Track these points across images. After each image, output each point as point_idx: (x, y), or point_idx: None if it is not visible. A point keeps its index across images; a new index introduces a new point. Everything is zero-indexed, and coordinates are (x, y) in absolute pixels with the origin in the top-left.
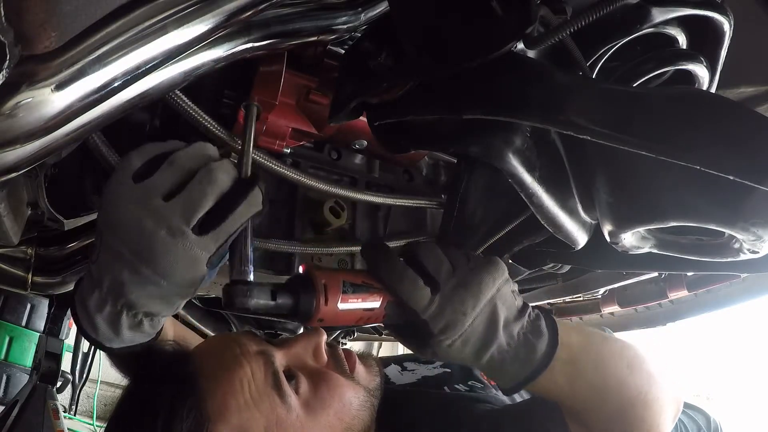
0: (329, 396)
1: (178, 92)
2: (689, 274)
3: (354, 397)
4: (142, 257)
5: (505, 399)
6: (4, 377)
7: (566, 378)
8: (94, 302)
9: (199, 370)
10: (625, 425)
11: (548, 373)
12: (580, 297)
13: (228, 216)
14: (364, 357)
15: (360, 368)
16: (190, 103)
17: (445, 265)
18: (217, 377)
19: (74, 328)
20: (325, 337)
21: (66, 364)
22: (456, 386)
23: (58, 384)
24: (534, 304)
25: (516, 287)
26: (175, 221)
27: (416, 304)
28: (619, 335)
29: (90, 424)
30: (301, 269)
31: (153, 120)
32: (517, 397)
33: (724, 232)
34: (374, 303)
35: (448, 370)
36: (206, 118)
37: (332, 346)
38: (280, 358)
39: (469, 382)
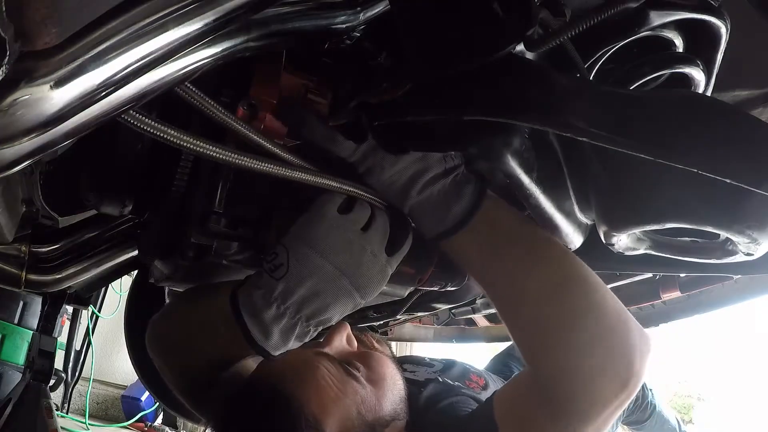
0: (380, 367)
1: (188, 84)
2: (682, 275)
3: (391, 364)
4: (347, 272)
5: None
6: None
7: (481, 259)
8: (272, 315)
9: (285, 389)
10: (548, 354)
11: (460, 243)
12: None
13: (407, 239)
14: (371, 333)
15: (376, 344)
16: (202, 94)
17: None
18: (304, 386)
19: (66, 326)
20: (349, 326)
21: (58, 362)
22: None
23: (51, 382)
24: None
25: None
26: (376, 246)
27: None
28: None
29: (82, 422)
30: None
31: (150, 115)
32: None
33: (720, 234)
34: None
35: (443, 374)
36: (220, 109)
37: (355, 332)
38: (332, 353)
39: (456, 383)
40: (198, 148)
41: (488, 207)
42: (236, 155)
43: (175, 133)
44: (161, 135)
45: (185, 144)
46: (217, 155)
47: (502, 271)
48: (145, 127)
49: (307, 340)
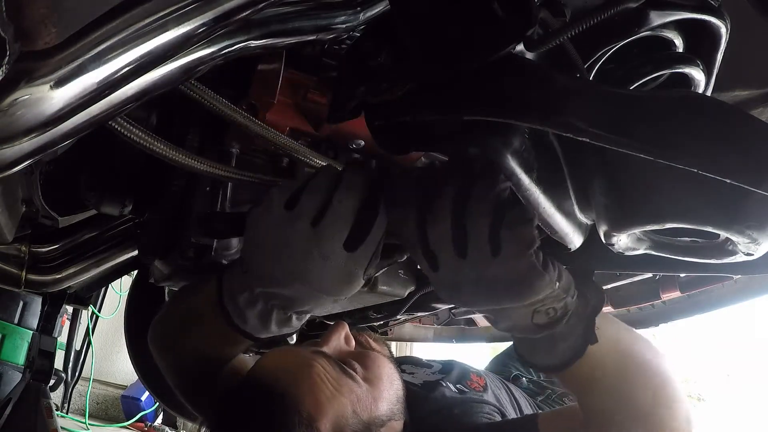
0: (377, 367)
1: (194, 81)
2: (682, 275)
3: (389, 364)
4: (297, 276)
5: (491, 398)
6: None
7: (575, 390)
8: (245, 300)
9: (280, 386)
10: None
11: (566, 375)
12: None
13: (371, 228)
14: (369, 333)
15: (374, 344)
16: (209, 91)
17: None
18: (299, 383)
19: (66, 326)
20: (347, 326)
21: (58, 362)
22: (450, 386)
23: (51, 382)
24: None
25: (560, 296)
26: (326, 245)
27: None
28: None
29: (82, 422)
30: None
31: (150, 117)
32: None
33: (719, 234)
34: None
35: (443, 375)
36: (227, 104)
37: (353, 332)
38: (329, 352)
39: (458, 386)
40: (186, 162)
41: (585, 356)
42: (217, 168)
43: (164, 147)
44: (151, 147)
45: (174, 158)
46: (202, 168)
47: (595, 401)
48: (138, 140)
49: (294, 327)
